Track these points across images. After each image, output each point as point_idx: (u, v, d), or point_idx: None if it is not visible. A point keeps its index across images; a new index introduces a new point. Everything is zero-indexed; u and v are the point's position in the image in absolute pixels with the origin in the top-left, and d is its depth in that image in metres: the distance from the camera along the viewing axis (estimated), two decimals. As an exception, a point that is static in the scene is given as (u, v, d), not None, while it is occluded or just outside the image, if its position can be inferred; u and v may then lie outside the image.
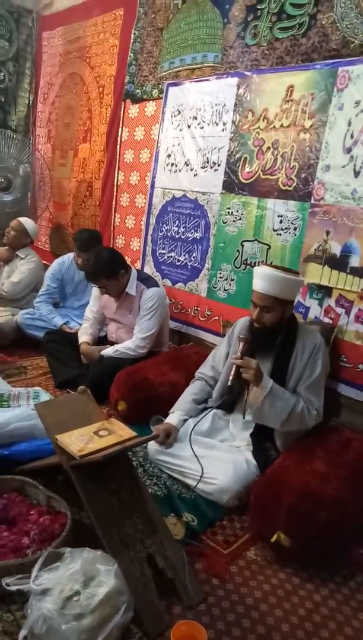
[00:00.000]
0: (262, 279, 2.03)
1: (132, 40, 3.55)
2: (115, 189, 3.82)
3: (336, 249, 2.38)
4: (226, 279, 2.97)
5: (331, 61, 2.36)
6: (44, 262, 3.91)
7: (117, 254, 2.87)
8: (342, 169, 2.33)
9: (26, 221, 3.77)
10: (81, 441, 1.62)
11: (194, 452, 1.98)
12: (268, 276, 2.01)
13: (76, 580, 1.26)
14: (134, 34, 3.53)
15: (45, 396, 2.33)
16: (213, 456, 2.02)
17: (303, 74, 2.49)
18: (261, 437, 2.09)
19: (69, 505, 1.64)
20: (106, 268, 2.71)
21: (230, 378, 1.97)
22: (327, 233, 2.41)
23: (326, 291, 2.44)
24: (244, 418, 2.11)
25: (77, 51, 4.23)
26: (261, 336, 2.09)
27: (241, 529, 1.84)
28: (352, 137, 2.29)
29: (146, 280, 2.87)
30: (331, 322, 2.41)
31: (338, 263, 2.38)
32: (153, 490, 1.95)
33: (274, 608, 1.51)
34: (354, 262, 2.32)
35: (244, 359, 1.96)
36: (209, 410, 2.19)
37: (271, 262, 2.60)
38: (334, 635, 1.44)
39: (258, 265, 2.61)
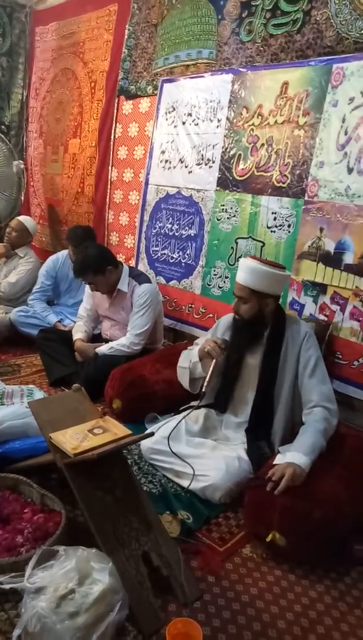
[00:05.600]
0: (242, 270, 2.05)
1: (126, 36, 3.53)
2: (108, 186, 3.80)
3: (330, 245, 2.38)
4: (221, 277, 2.96)
5: (325, 58, 2.36)
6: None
7: (106, 250, 2.86)
8: (336, 166, 2.33)
9: (25, 219, 3.79)
10: (75, 439, 1.62)
11: (172, 451, 1.96)
12: (246, 267, 2.02)
13: (70, 579, 1.25)
14: (128, 29, 3.51)
15: (39, 394, 2.32)
16: (205, 454, 2.01)
17: (297, 71, 2.48)
18: (255, 435, 2.08)
19: (63, 504, 1.63)
20: (93, 264, 2.70)
21: (205, 384, 1.96)
22: (321, 230, 2.41)
23: (321, 288, 2.44)
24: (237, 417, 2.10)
25: (71, 46, 4.19)
26: (244, 329, 2.09)
27: (236, 526, 1.84)
28: (345, 133, 2.29)
29: (138, 277, 2.86)
30: (326, 319, 2.41)
31: (332, 260, 2.38)
32: (148, 488, 1.94)
33: (270, 605, 1.51)
34: (348, 259, 2.31)
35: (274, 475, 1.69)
36: (190, 410, 2.15)
37: (257, 256, 2.57)
38: (330, 631, 1.44)
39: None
